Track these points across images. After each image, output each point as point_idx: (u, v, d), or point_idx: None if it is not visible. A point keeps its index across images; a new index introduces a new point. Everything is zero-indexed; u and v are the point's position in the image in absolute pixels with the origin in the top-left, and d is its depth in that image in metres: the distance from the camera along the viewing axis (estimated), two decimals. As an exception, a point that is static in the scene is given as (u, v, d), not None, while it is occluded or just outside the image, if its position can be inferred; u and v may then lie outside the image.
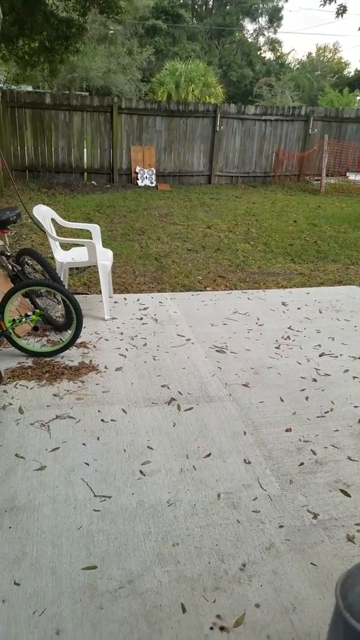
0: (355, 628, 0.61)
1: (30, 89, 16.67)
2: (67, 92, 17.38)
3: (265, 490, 2.19)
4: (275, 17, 32.27)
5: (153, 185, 11.07)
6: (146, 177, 11.10)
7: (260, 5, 31.46)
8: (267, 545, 1.91)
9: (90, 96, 12.17)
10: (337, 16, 9.15)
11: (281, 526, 2.00)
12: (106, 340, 3.59)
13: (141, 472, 2.26)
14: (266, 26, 33.05)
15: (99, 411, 2.72)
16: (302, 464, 2.38)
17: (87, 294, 4.55)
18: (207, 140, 11.48)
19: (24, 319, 3.14)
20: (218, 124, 11.29)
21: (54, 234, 3.89)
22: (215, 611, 1.65)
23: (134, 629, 1.57)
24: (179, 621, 1.61)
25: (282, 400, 2.90)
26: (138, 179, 11.05)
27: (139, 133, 11.08)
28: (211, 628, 1.60)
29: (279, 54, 33.10)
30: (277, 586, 1.75)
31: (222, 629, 1.60)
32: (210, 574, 1.78)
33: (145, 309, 4.22)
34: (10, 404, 2.76)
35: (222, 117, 11.32)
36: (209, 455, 2.39)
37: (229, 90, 24.46)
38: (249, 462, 2.36)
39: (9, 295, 3.08)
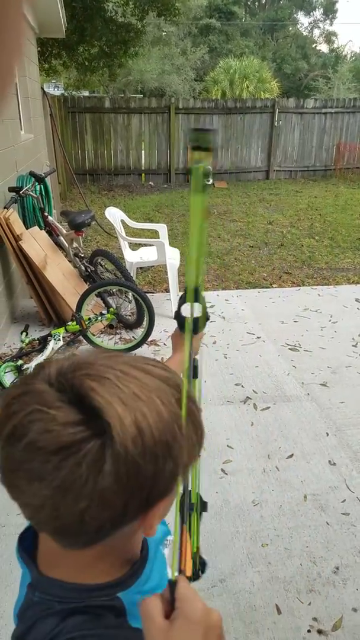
0: None
1: (86, 94, 17.10)
2: (122, 95, 17.69)
3: (353, 492, 2.11)
4: (330, 9, 31.36)
5: (210, 183, 11.00)
6: (203, 176, 11.10)
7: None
8: (359, 548, 1.84)
9: (146, 98, 12.29)
10: None
11: (373, 530, 1.93)
12: (176, 338, 3.60)
13: (223, 470, 2.25)
14: (321, 18, 32.17)
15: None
16: (390, 466, 2.28)
17: (153, 292, 4.60)
18: (265, 136, 11.29)
19: (99, 318, 3.22)
20: (276, 119, 11.07)
21: (124, 234, 3.96)
22: (312, 614, 1.61)
23: (230, 629, 1.56)
24: (274, 622, 1.58)
25: (363, 400, 2.80)
26: (195, 178, 11.06)
27: (195, 132, 11.08)
28: (309, 631, 1.56)
29: (334, 45, 32.09)
30: (374, 593, 1.68)
31: (319, 632, 1.55)
32: (303, 576, 1.74)
33: (211, 306, 4.20)
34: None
35: (280, 112, 11.09)
36: (291, 456, 2.34)
37: (283, 84, 23.94)
38: (334, 464, 2.28)
39: (85, 295, 3.17)
